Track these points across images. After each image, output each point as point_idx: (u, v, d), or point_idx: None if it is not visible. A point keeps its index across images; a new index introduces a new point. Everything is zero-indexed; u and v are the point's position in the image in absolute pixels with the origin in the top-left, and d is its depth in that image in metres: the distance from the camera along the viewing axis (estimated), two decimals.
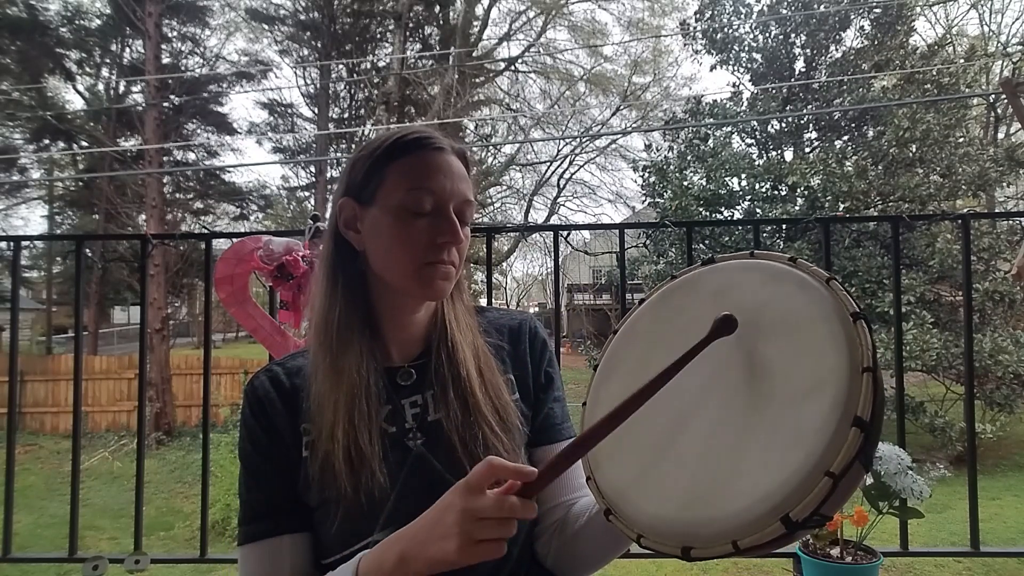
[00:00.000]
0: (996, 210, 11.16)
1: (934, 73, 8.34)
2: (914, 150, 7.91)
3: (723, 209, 8.62)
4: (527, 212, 16.42)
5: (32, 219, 16.97)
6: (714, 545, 0.47)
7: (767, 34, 9.61)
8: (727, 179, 8.65)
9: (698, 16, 10.29)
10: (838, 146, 8.66)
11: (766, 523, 0.45)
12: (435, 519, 0.54)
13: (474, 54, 13.93)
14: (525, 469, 0.52)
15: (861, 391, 0.45)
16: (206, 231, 1.72)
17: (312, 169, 14.94)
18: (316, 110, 14.58)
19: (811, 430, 0.46)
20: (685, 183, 8.64)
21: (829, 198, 7.53)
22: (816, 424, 0.45)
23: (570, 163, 16.71)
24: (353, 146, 13.84)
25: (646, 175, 9.77)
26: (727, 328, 0.53)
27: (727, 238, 7.84)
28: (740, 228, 7.85)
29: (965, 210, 6.32)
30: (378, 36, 14.85)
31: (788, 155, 9.67)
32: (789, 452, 0.46)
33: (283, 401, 0.71)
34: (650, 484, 0.54)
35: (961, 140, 8.27)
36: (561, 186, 16.99)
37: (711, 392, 0.54)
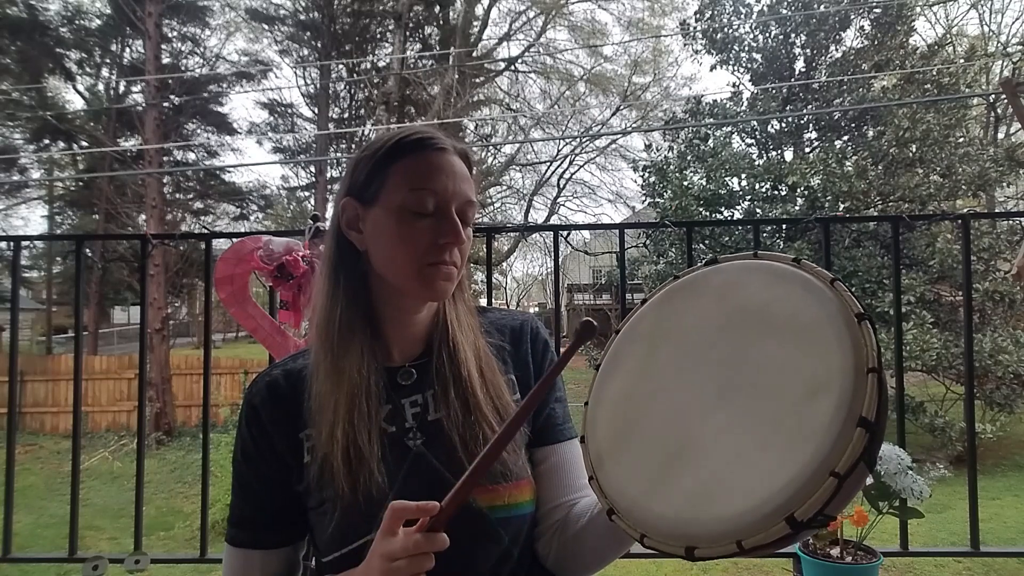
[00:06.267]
0: (996, 210, 11.15)
1: (934, 73, 8.33)
2: (914, 150, 7.90)
3: (723, 209, 8.62)
4: (527, 212, 16.43)
5: (32, 219, 17.01)
6: (718, 545, 0.47)
7: (767, 34, 9.61)
8: (727, 179, 8.64)
9: (698, 16, 10.27)
10: (838, 146, 8.64)
11: (771, 523, 0.44)
12: (366, 568, 0.58)
13: (474, 54, 13.93)
14: (427, 506, 0.55)
15: (866, 391, 0.45)
16: (206, 231, 1.72)
17: (312, 169, 14.95)
18: (316, 110, 14.58)
19: (816, 430, 0.45)
20: (685, 183, 8.62)
21: (829, 198, 7.53)
22: (821, 424, 0.45)
23: (570, 163, 16.74)
24: (353, 146, 13.85)
25: (646, 175, 9.76)
26: (588, 332, 0.58)
27: (727, 238, 7.83)
28: (740, 228, 7.83)
29: (965, 210, 6.32)
30: (378, 36, 14.87)
31: (788, 155, 9.66)
32: (794, 452, 0.46)
33: (281, 408, 0.71)
34: (653, 484, 0.54)
35: (961, 140, 8.27)
36: (561, 186, 17.02)
37: (715, 392, 0.54)
